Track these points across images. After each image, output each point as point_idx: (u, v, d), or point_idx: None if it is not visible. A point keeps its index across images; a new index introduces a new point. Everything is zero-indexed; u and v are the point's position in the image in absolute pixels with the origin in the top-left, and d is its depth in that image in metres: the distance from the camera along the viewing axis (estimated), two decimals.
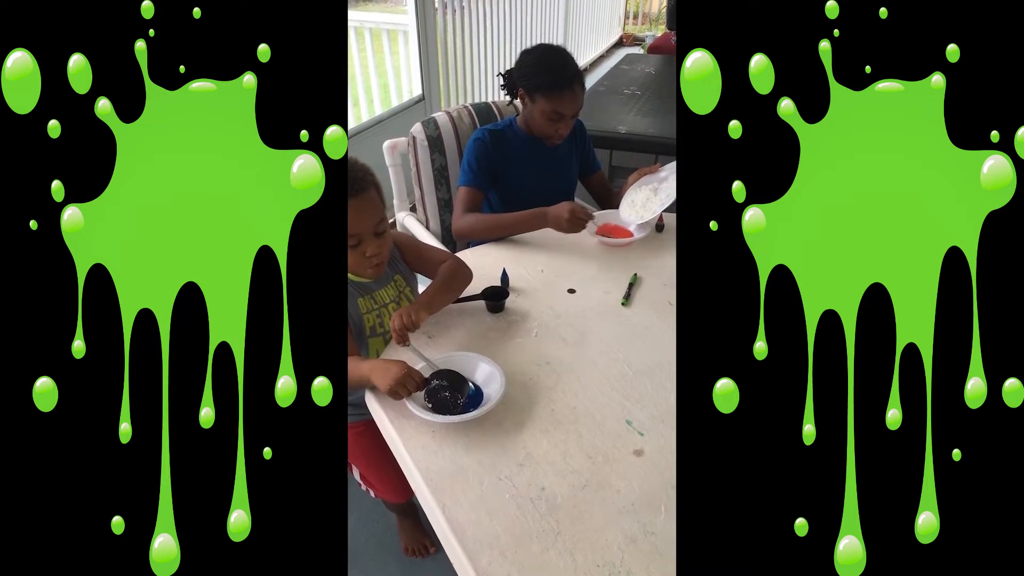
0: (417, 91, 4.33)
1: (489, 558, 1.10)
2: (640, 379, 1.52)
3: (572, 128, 2.24)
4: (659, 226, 2.22)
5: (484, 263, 1.95)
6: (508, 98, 2.28)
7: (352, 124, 3.82)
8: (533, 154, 2.28)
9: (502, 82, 2.24)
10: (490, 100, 2.71)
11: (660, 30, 9.31)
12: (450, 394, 1.43)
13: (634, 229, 2.17)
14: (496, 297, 1.78)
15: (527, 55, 2.17)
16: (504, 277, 1.89)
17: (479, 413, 1.37)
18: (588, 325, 1.73)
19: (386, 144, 2.50)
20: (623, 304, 1.83)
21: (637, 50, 8.36)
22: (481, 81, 5.22)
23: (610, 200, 2.42)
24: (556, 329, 1.72)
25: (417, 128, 2.44)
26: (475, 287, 1.81)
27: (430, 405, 1.41)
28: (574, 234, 2.06)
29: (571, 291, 1.89)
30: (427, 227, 2.54)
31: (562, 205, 2.03)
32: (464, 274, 1.81)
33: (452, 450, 1.32)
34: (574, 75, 2.10)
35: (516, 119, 2.30)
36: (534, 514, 1.18)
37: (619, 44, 9.14)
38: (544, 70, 2.11)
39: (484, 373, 1.50)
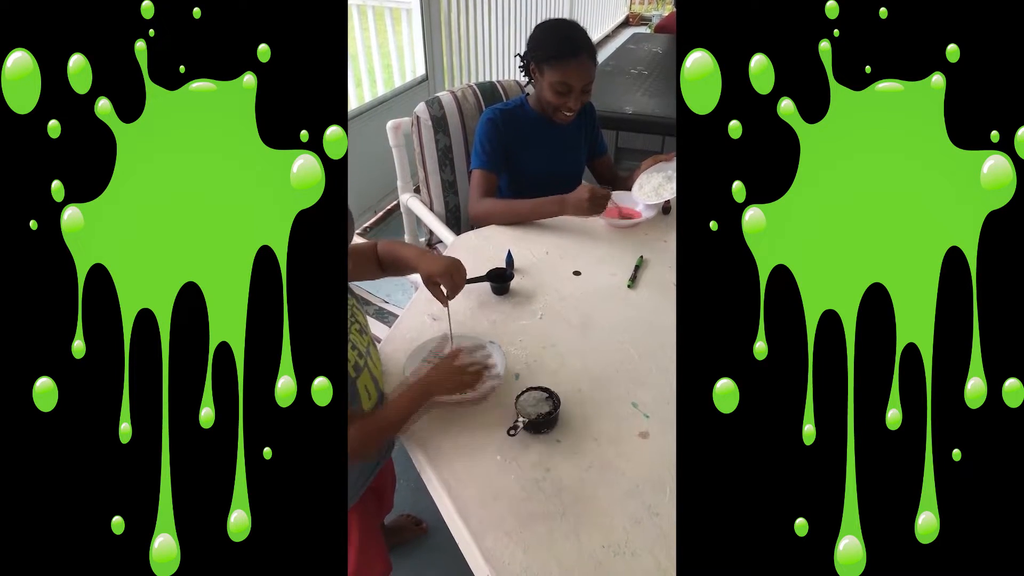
0: (420, 71, 4.31)
1: (494, 538, 1.11)
2: (645, 361, 1.53)
3: (583, 106, 2.21)
4: (666, 208, 2.21)
5: (489, 244, 1.96)
6: (525, 79, 2.25)
7: (354, 105, 3.82)
8: (544, 134, 2.26)
9: (520, 63, 2.22)
10: (495, 79, 2.69)
11: (667, 9, 9.24)
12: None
13: (643, 209, 2.17)
14: (501, 279, 1.79)
15: (538, 28, 2.16)
16: (509, 259, 1.88)
17: (479, 394, 1.38)
18: (594, 307, 1.74)
19: (389, 124, 2.49)
20: (629, 286, 1.83)
21: (644, 30, 8.31)
22: (485, 60, 5.19)
23: (615, 184, 2.41)
24: (561, 311, 1.73)
25: (421, 108, 2.43)
26: (480, 268, 1.80)
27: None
28: (579, 217, 2.05)
29: (577, 273, 1.90)
30: (431, 208, 2.54)
31: (580, 189, 2.03)
32: None
33: (457, 431, 1.33)
34: (582, 44, 2.07)
35: (527, 99, 2.28)
36: (539, 495, 1.19)
37: (625, 24, 9.10)
38: (552, 41, 2.09)
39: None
